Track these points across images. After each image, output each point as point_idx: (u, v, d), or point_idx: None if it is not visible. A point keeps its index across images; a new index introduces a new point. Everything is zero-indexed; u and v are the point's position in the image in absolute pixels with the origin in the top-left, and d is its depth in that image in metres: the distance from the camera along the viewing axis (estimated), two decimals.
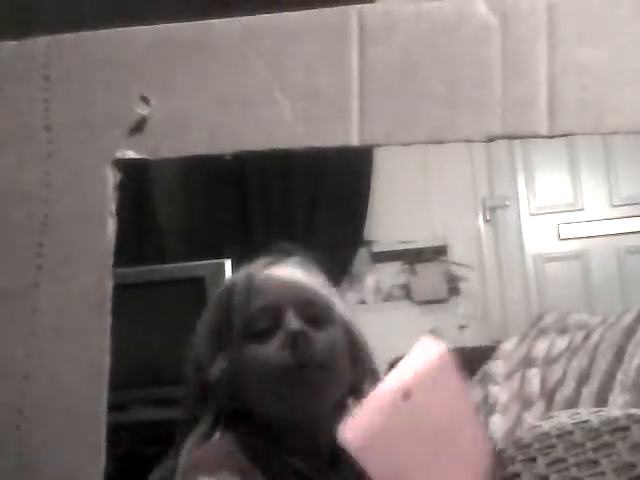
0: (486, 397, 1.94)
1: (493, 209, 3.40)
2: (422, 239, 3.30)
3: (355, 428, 0.77)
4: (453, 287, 3.29)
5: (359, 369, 1.01)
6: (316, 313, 0.98)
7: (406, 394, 0.80)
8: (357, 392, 1.00)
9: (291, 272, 1.02)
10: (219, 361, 0.98)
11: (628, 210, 3.32)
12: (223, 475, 0.87)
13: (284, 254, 1.04)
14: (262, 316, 0.97)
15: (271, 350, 0.94)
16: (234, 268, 2.47)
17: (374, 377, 1.01)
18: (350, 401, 1.00)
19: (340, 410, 0.98)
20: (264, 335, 0.96)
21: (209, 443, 0.93)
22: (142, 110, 0.59)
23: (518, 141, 2.85)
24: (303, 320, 0.96)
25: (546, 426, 0.92)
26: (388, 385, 0.81)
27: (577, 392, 1.67)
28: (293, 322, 0.95)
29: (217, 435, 0.94)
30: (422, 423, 0.82)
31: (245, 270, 1.03)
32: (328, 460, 0.97)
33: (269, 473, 0.90)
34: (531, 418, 1.70)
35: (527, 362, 1.96)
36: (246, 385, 0.96)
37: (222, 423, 0.95)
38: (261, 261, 1.03)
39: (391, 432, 0.79)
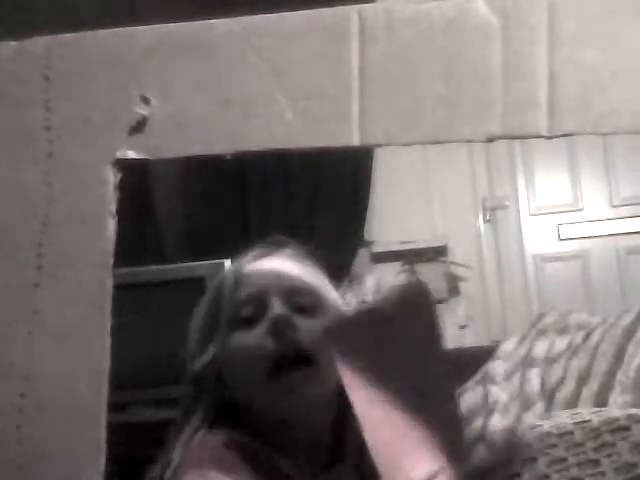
0: (486, 397, 1.94)
1: (493, 209, 3.40)
2: (422, 239, 3.30)
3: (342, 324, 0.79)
4: (453, 287, 3.29)
5: None
6: (304, 302, 0.97)
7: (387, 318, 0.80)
8: None
9: (281, 263, 1.02)
10: (206, 352, 0.98)
11: (628, 210, 3.33)
12: (212, 472, 0.86)
13: (276, 246, 1.04)
14: (248, 303, 0.97)
15: (255, 336, 0.94)
16: None
17: None
18: None
19: (342, 405, 0.96)
20: (250, 322, 0.96)
21: (199, 440, 0.92)
22: (142, 110, 0.59)
23: (518, 141, 2.85)
24: (290, 308, 0.96)
25: (546, 426, 0.92)
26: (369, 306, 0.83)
27: (577, 392, 1.67)
28: (277, 307, 0.95)
29: (207, 431, 0.93)
30: (393, 346, 0.81)
31: (236, 262, 1.04)
32: (324, 464, 0.96)
33: (258, 472, 0.89)
34: (531, 418, 1.70)
35: (527, 362, 1.95)
36: (231, 374, 0.96)
37: (213, 419, 0.94)
38: (253, 253, 1.04)
39: (369, 342, 0.79)
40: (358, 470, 0.96)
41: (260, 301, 0.96)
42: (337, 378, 0.95)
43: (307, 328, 0.95)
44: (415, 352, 0.79)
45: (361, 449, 0.96)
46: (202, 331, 1.01)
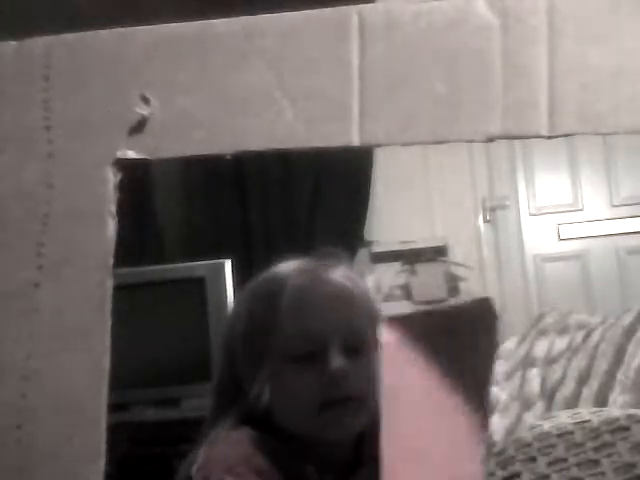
0: None
1: (493, 209, 3.40)
2: (422, 239, 3.30)
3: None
4: (453, 287, 3.29)
5: None
6: (359, 341, 0.95)
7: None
8: None
9: (339, 289, 0.98)
10: (260, 384, 0.95)
11: (628, 210, 3.33)
12: (240, 474, 0.86)
13: (330, 259, 1.01)
14: (306, 341, 0.94)
15: (309, 382, 0.93)
16: (234, 268, 2.47)
17: None
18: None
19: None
20: (305, 361, 0.94)
21: (229, 440, 0.92)
22: (142, 110, 0.59)
23: (518, 141, 2.85)
24: (347, 350, 0.94)
25: (546, 426, 0.92)
26: None
27: (577, 392, 1.67)
28: (336, 360, 0.93)
29: (238, 432, 0.93)
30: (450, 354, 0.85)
31: (297, 274, 0.98)
32: (347, 470, 0.96)
33: (286, 476, 0.89)
34: (531, 418, 1.70)
35: (527, 362, 1.96)
36: (278, 407, 0.95)
37: (244, 421, 0.94)
38: (311, 266, 1.00)
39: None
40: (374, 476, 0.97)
41: (319, 342, 0.94)
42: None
43: (360, 374, 0.94)
44: (472, 367, 0.81)
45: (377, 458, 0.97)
46: (250, 347, 0.98)
